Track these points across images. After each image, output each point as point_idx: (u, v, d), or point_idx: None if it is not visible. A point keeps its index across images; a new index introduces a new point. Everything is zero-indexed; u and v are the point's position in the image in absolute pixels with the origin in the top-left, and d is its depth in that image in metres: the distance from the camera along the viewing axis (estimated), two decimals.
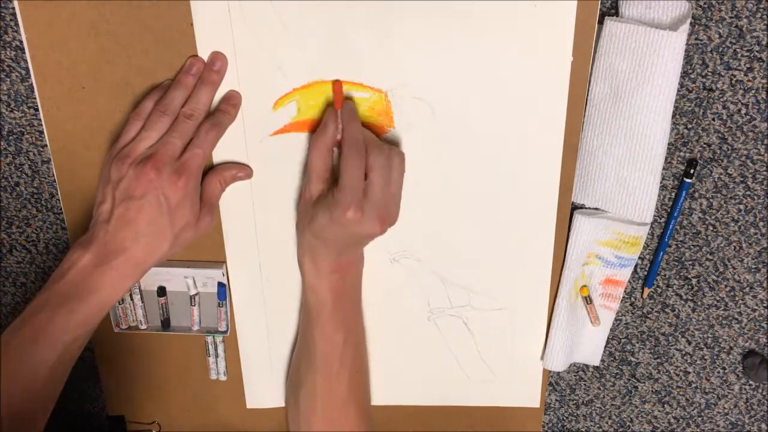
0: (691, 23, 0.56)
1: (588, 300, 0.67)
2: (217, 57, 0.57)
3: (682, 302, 0.69)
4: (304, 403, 0.65)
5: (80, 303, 0.54)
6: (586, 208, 0.64)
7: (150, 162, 0.54)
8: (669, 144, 0.61)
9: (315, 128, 0.60)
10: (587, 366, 0.73)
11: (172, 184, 0.55)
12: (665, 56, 0.55)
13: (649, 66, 0.56)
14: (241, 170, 0.61)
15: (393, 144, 0.60)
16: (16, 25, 0.59)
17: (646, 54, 0.56)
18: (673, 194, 0.64)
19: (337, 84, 0.57)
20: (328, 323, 0.62)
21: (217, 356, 0.71)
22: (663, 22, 0.56)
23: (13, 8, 0.58)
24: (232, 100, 0.59)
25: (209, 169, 0.61)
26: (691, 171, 0.62)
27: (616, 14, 0.57)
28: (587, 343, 0.70)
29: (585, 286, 0.67)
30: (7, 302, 0.74)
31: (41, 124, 0.63)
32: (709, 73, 0.59)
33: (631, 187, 0.61)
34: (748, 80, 0.59)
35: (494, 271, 0.66)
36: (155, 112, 0.57)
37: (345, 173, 0.54)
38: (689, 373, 0.73)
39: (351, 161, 0.54)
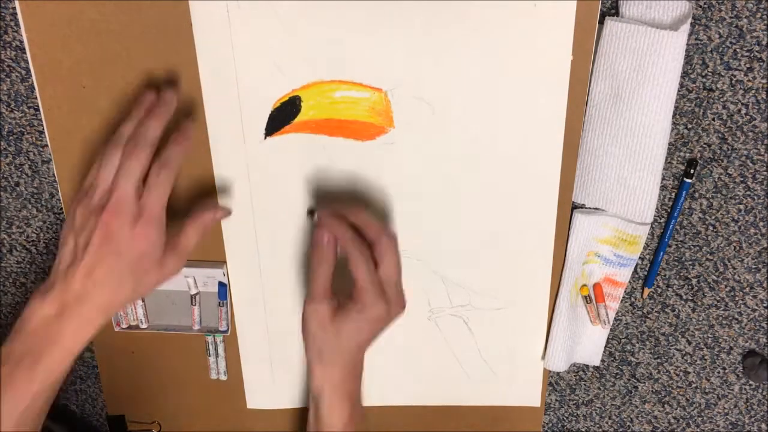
0: (691, 23, 0.56)
1: (588, 299, 0.67)
2: (167, 92, 0.56)
3: (682, 302, 0.69)
4: None
5: (42, 356, 0.52)
6: (586, 208, 0.64)
7: (106, 211, 0.52)
8: (669, 144, 0.61)
9: (315, 129, 0.60)
10: (587, 366, 0.73)
11: (130, 232, 0.53)
12: (666, 56, 0.56)
13: (650, 66, 0.56)
14: (216, 212, 0.60)
15: (392, 141, 0.60)
16: (16, 25, 0.59)
17: (647, 54, 0.56)
18: (673, 194, 0.64)
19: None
20: (332, 400, 0.60)
21: (217, 356, 0.71)
22: (663, 21, 0.56)
23: (14, 8, 0.58)
24: (184, 132, 0.57)
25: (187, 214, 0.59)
26: (692, 171, 0.62)
27: (617, 14, 0.57)
28: (587, 343, 0.70)
29: (585, 285, 0.67)
30: (7, 302, 0.74)
31: (41, 124, 0.63)
32: (709, 73, 0.59)
33: (632, 187, 0.61)
34: (748, 80, 0.59)
35: (495, 270, 0.66)
36: (108, 147, 0.55)
37: (357, 273, 0.56)
38: (689, 373, 0.73)
39: (357, 258, 0.56)
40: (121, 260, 0.53)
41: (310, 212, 0.63)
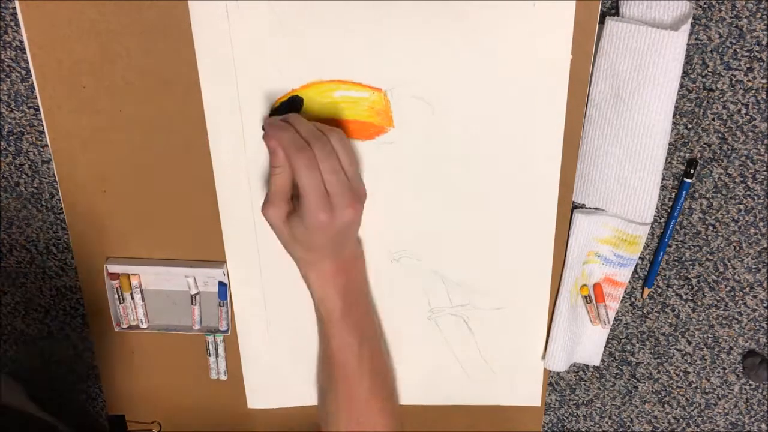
0: (691, 23, 0.56)
1: (588, 299, 0.67)
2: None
3: (682, 302, 0.69)
4: (330, 407, 0.65)
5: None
6: (586, 208, 0.64)
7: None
8: (669, 144, 0.61)
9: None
10: (587, 366, 0.73)
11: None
12: (666, 56, 0.55)
13: (650, 66, 0.56)
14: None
15: (391, 141, 0.60)
16: (17, 25, 0.59)
17: (647, 54, 0.56)
18: (673, 194, 0.64)
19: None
20: (341, 328, 0.62)
21: (217, 356, 0.71)
22: (664, 21, 0.56)
23: (14, 8, 0.58)
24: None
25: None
26: (692, 171, 0.62)
27: (617, 14, 0.57)
28: (587, 342, 0.70)
29: (585, 285, 0.67)
30: (7, 302, 0.74)
31: (41, 124, 0.63)
32: (709, 73, 0.59)
33: (632, 187, 0.61)
34: (748, 80, 0.59)
35: (495, 270, 0.66)
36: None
37: (299, 180, 0.55)
38: (689, 373, 0.72)
39: (298, 166, 0.55)
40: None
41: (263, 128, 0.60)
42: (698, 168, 0.63)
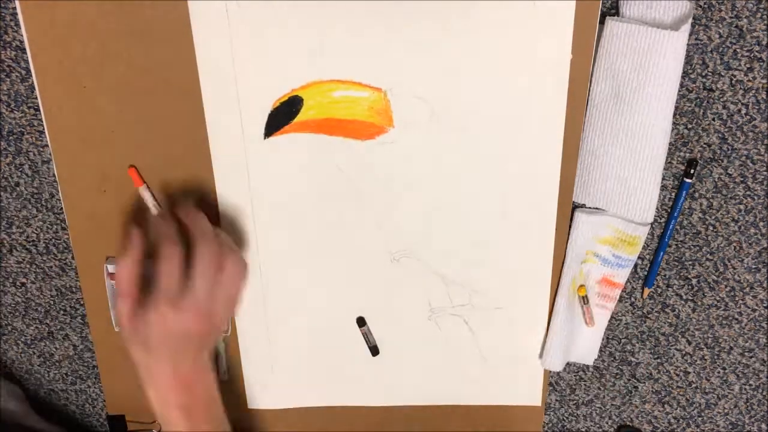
0: (691, 23, 0.56)
1: (585, 300, 0.67)
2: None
3: (682, 302, 0.69)
4: None
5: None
6: (587, 208, 0.64)
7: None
8: (669, 144, 0.61)
9: (315, 128, 0.60)
10: (587, 366, 0.73)
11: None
12: (667, 56, 0.55)
13: (651, 66, 0.56)
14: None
15: (392, 141, 0.60)
16: (16, 25, 0.59)
17: (648, 54, 0.56)
18: (673, 194, 0.64)
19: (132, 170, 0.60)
20: None
21: (217, 356, 0.71)
22: (664, 21, 0.56)
23: (13, 8, 0.58)
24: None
25: None
26: (691, 171, 0.62)
27: (617, 14, 0.57)
28: (582, 342, 0.70)
29: (582, 285, 0.67)
30: (7, 302, 0.74)
31: (41, 124, 0.63)
32: (709, 73, 0.59)
33: (632, 187, 0.61)
34: (748, 80, 0.59)
35: (495, 270, 0.66)
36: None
37: (158, 268, 0.53)
38: (689, 373, 0.72)
39: (163, 255, 0.53)
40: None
41: None
42: (698, 168, 0.63)
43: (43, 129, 0.63)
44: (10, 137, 0.65)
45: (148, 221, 0.57)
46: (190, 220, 0.56)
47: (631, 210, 0.62)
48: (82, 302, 0.72)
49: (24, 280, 0.72)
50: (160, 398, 0.56)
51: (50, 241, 0.70)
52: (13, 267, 0.72)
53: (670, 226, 0.64)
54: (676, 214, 0.64)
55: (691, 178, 0.63)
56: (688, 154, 0.62)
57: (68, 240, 0.69)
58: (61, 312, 0.74)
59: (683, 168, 0.63)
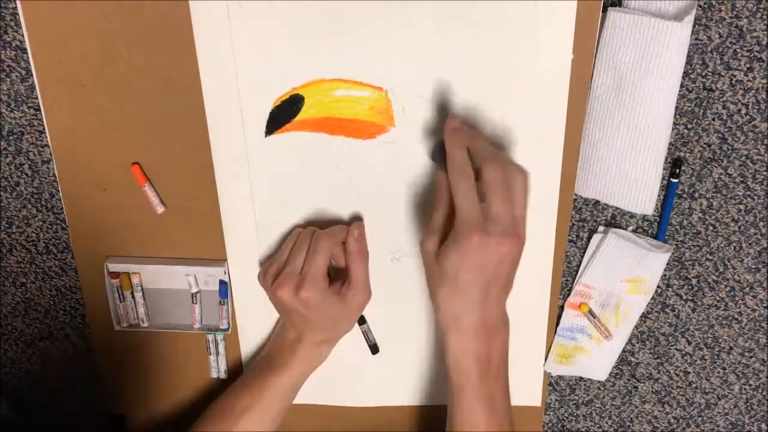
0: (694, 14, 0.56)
1: (592, 314, 0.68)
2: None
3: (682, 302, 0.69)
4: None
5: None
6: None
7: (277, 282, 0.61)
8: (669, 144, 0.61)
9: (315, 127, 0.60)
10: None
11: (296, 297, 0.60)
12: (670, 47, 0.55)
13: (653, 57, 0.56)
14: (349, 233, 0.63)
15: (392, 140, 0.60)
16: (17, 24, 0.59)
17: (650, 45, 0.56)
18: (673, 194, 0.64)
19: (135, 167, 0.63)
20: (470, 400, 0.56)
21: (218, 354, 0.71)
22: (667, 12, 0.56)
23: (13, 8, 0.58)
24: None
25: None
26: (677, 171, 0.62)
27: (620, 5, 0.57)
28: (596, 359, 0.71)
29: (584, 303, 0.67)
30: (7, 302, 0.74)
31: (41, 124, 0.63)
32: (709, 73, 0.59)
33: (633, 180, 0.61)
34: (748, 80, 0.59)
35: None
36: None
37: (457, 200, 0.52)
38: (689, 373, 0.73)
39: (458, 185, 0.52)
40: (304, 319, 0.63)
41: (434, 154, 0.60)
42: (699, 168, 0.63)
43: (43, 129, 0.63)
44: (10, 137, 0.65)
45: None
46: (474, 143, 0.55)
47: (632, 202, 0.62)
48: (82, 302, 0.72)
49: (24, 280, 0.72)
50: (459, 341, 0.55)
51: (50, 241, 0.70)
52: (13, 267, 0.72)
53: (663, 229, 0.64)
54: (667, 216, 0.64)
55: (677, 178, 0.62)
56: (688, 154, 0.62)
57: (68, 240, 0.69)
58: (61, 312, 0.74)
59: (680, 168, 0.63)
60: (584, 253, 0.67)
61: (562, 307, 0.69)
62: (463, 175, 0.53)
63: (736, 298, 0.68)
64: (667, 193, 0.63)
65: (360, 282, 0.63)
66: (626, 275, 0.66)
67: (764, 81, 0.59)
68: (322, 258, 0.60)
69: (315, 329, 0.64)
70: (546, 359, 0.70)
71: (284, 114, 0.60)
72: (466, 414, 0.57)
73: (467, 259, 0.52)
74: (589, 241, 0.66)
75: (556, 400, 0.76)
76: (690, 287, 0.68)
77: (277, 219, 0.64)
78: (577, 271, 0.68)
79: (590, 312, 0.68)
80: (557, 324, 0.69)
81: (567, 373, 0.72)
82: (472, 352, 0.55)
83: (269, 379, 0.65)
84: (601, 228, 0.65)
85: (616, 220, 0.66)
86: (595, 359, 0.70)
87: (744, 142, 0.61)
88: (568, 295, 0.68)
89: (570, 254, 0.67)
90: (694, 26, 0.57)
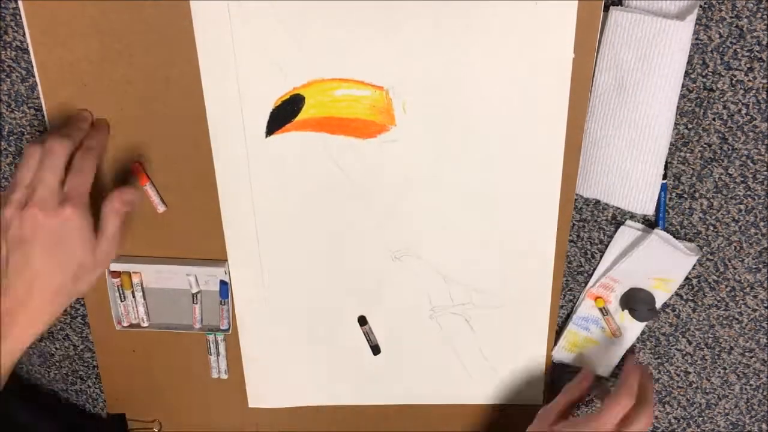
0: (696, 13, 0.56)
1: (604, 311, 0.68)
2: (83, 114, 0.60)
3: (683, 302, 0.69)
4: None
5: None
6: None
7: (31, 202, 0.53)
8: (669, 144, 0.61)
9: (316, 127, 0.60)
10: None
11: (58, 216, 0.54)
12: (672, 46, 0.55)
13: (655, 56, 0.56)
14: (132, 194, 0.59)
15: (393, 139, 0.60)
16: (17, 25, 0.59)
17: (652, 44, 0.55)
18: (673, 194, 0.64)
19: (137, 166, 0.62)
20: None
21: (218, 354, 0.71)
22: (669, 11, 0.56)
23: (14, 8, 0.58)
24: (103, 122, 0.60)
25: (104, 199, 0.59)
26: (664, 172, 0.62)
27: (620, 4, 0.57)
28: (602, 353, 0.71)
29: (600, 297, 0.67)
30: None
31: (42, 124, 0.63)
32: (710, 73, 0.59)
33: (634, 179, 0.61)
34: (749, 80, 0.59)
35: (496, 268, 0.66)
36: (28, 146, 0.56)
37: (609, 412, 0.62)
38: (690, 373, 0.73)
39: (617, 406, 0.62)
40: (55, 245, 0.54)
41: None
42: (699, 168, 0.63)
43: (44, 129, 0.63)
44: (11, 137, 0.65)
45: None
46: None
47: (632, 202, 0.62)
48: (82, 302, 0.72)
49: None
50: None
51: None
52: None
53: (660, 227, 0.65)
54: (662, 214, 0.64)
55: (665, 179, 0.63)
56: (688, 154, 0.62)
57: None
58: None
59: (682, 168, 0.63)
60: (597, 247, 0.67)
61: (569, 300, 0.69)
62: (629, 399, 0.63)
63: (737, 298, 0.68)
64: (659, 194, 0.63)
65: (115, 236, 0.58)
66: (657, 274, 0.66)
67: (765, 81, 0.59)
68: (89, 177, 0.56)
69: (37, 289, 0.54)
70: (555, 345, 0.70)
71: (285, 114, 0.60)
72: None
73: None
74: (589, 241, 0.66)
75: None
76: (690, 287, 0.68)
77: (277, 219, 0.64)
78: (579, 269, 0.68)
79: (604, 309, 0.68)
80: (572, 313, 0.69)
81: (574, 363, 0.72)
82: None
83: None
84: (629, 222, 0.65)
85: (616, 219, 0.66)
86: (603, 354, 0.70)
87: (744, 142, 0.61)
88: (584, 285, 0.68)
89: (570, 254, 0.67)
90: (694, 26, 0.57)
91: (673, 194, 0.64)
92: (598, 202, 0.65)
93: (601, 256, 0.67)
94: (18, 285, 0.54)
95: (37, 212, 0.53)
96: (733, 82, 0.59)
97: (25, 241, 0.53)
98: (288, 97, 0.59)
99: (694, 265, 0.67)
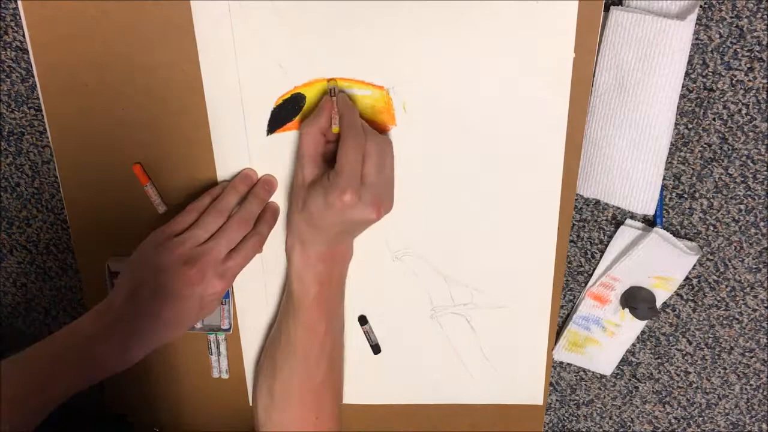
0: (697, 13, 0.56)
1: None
2: (271, 180, 0.62)
3: (683, 302, 0.69)
4: (279, 389, 0.65)
5: (81, 369, 0.57)
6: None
7: (197, 266, 0.57)
8: (669, 144, 0.61)
9: None
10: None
11: (213, 287, 0.58)
12: (672, 46, 0.55)
13: (656, 56, 0.56)
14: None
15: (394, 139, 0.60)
16: (17, 25, 0.59)
17: (653, 44, 0.56)
18: (673, 194, 0.64)
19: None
20: (311, 313, 0.62)
21: (219, 354, 0.71)
22: (670, 11, 0.56)
23: (14, 8, 0.58)
24: (274, 212, 0.63)
25: None
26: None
27: (620, 4, 0.57)
28: (602, 353, 0.71)
29: (600, 296, 0.67)
30: (7, 302, 0.74)
31: (41, 125, 0.63)
32: (710, 73, 0.59)
33: (634, 179, 0.61)
34: (749, 80, 0.59)
35: (497, 268, 0.66)
36: (211, 212, 0.60)
37: (343, 157, 0.54)
38: (690, 373, 0.73)
39: (350, 145, 0.54)
40: (194, 309, 0.58)
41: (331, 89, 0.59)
42: (699, 168, 0.63)
43: (44, 129, 0.63)
44: (11, 137, 0.65)
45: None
46: (342, 110, 0.57)
47: (633, 202, 0.62)
48: (82, 302, 0.72)
49: (24, 281, 0.72)
50: (304, 265, 0.60)
51: (50, 241, 0.70)
52: (13, 267, 0.72)
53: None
54: (659, 213, 0.64)
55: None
56: (688, 154, 0.63)
57: (68, 240, 0.69)
58: (61, 312, 0.73)
59: (683, 168, 0.63)
60: (598, 246, 0.67)
61: (569, 299, 0.69)
62: (356, 136, 0.55)
63: (737, 298, 0.68)
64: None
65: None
66: (657, 273, 0.66)
67: (765, 81, 0.59)
68: (248, 261, 0.60)
69: (158, 332, 0.58)
70: (556, 344, 0.70)
71: (286, 113, 0.60)
72: (305, 323, 0.62)
73: (332, 210, 0.55)
74: (589, 241, 0.66)
75: (557, 400, 0.76)
76: (690, 287, 0.68)
77: (278, 219, 0.64)
78: (579, 269, 0.68)
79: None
80: (572, 312, 0.69)
81: (574, 362, 0.72)
82: (313, 275, 0.61)
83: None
84: (629, 221, 0.65)
85: (616, 219, 0.66)
86: (604, 352, 0.70)
87: (744, 142, 0.61)
88: (584, 285, 0.68)
89: (570, 254, 0.68)
90: (694, 26, 0.57)
91: (673, 194, 0.64)
92: (598, 202, 0.65)
93: (601, 256, 0.67)
94: (137, 323, 0.57)
95: (197, 278, 0.56)
96: (733, 82, 0.59)
97: (172, 295, 0.56)
98: (289, 96, 0.59)
99: (694, 265, 0.67)
